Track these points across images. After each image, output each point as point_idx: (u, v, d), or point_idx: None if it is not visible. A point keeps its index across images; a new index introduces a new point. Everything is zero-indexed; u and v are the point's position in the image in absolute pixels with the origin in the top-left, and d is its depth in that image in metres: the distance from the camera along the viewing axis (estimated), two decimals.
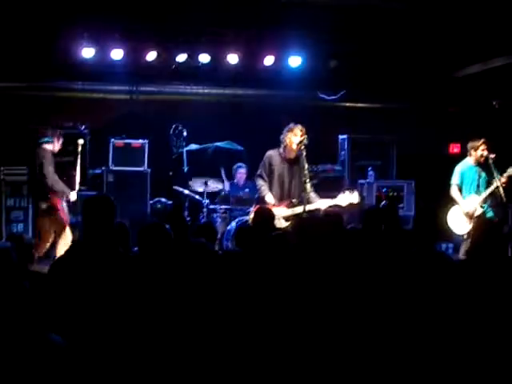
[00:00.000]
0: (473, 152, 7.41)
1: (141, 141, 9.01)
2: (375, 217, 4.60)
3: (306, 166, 6.39)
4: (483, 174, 7.36)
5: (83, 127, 8.81)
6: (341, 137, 9.91)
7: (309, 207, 6.34)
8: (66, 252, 3.49)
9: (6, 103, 9.07)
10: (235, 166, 8.98)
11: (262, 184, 6.67)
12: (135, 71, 9.20)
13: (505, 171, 7.20)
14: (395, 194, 9.31)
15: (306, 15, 7.73)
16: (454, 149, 10.09)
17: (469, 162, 7.46)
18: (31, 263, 4.32)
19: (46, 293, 3.28)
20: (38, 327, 2.45)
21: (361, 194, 6.47)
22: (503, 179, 7.13)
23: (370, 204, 9.01)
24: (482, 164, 7.35)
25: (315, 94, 10.00)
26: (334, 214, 4.96)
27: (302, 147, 6.50)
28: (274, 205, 6.46)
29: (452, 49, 8.78)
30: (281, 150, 6.72)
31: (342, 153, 9.85)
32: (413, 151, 9.95)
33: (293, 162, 6.70)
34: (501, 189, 7.11)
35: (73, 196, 7.17)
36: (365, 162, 9.75)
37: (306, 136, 6.54)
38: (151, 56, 8.82)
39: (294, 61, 9.23)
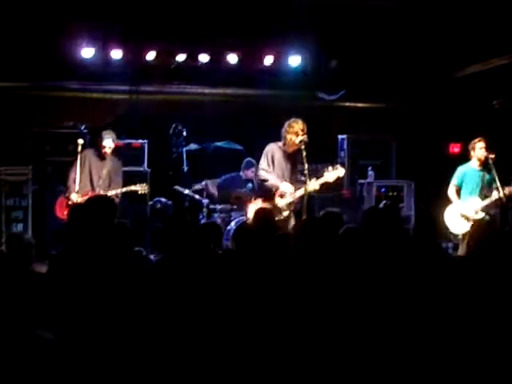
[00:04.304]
0: (472, 153, 7.39)
1: (141, 141, 9.01)
2: (374, 216, 4.60)
3: (307, 165, 6.42)
4: (487, 177, 7.28)
5: (83, 127, 8.81)
6: (341, 137, 9.90)
7: (299, 192, 6.53)
8: (65, 250, 3.50)
9: (6, 103, 9.07)
10: (246, 162, 8.72)
11: (271, 177, 6.68)
12: (135, 71, 9.20)
13: (509, 182, 7.11)
14: (395, 193, 9.30)
15: (306, 15, 7.73)
16: (454, 149, 10.08)
17: (472, 165, 7.43)
18: (31, 263, 4.32)
19: (45, 291, 3.28)
20: (28, 324, 2.44)
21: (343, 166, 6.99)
22: (506, 191, 7.01)
23: (369, 204, 9.03)
24: (486, 166, 7.29)
25: (315, 94, 10.00)
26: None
27: (303, 146, 6.53)
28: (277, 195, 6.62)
29: (452, 49, 8.78)
30: (280, 144, 6.78)
31: (342, 153, 9.84)
32: (413, 151, 9.95)
33: (291, 156, 6.79)
34: (501, 192, 7.08)
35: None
36: (365, 161, 9.74)
37: (306, 135, 6.58)
38: (151, 56, 8.84)
39: (294, 60, 9.24)
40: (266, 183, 6.72)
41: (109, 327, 3.19)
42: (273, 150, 6.78)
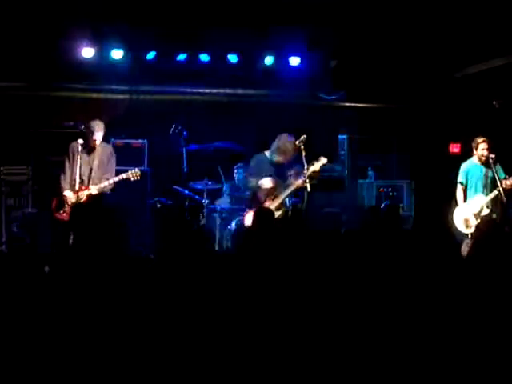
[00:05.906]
0: (474, 151, 7.43)
1: (141, 141, 9.02)
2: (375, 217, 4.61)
3: (306, 165, 6.44)
4: (490, 174, 7.32)
5: (83, 127, 8.81)
6: (341, 137, 9.90)
7: (289, 190, 6.71)
8: (66, 250, 3.50)
9: (6, 103, 9.07)
10: (237, 166, 8.86)
11: (253, 179, 6.88)
12: (135, 71, 9.21)
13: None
14: (395, 193, 9.30)
15: (306, 14, 7.75)
16: (454, 149, 10.08)
17: (474, 160, 7.47)
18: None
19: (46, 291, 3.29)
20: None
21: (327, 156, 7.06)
22: (508, 182, 7.09)
23: (369, 204, 9.03)
24: (487, 164, 7.32)
25: (315, 94, 10.00)
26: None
27: (302, 146, 6.56)
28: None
29: (452, 49, 8.79)
30: (269, 154, 6.90)
31: (342, 153, 9.84)
32: (413, 151, 9.95)
33: (280, 164, 6.92)
34: (501, 189, 7.09)
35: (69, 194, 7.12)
36: (365, 162, 9.75)
37: (305, 136, 6.61)
38: (151, 56, 8.85)
39: (294, 60, 9.25)
40: (251, 185, 6.87)
41: (108, 327, 3.19)
42: (258, 162, 6.99)
